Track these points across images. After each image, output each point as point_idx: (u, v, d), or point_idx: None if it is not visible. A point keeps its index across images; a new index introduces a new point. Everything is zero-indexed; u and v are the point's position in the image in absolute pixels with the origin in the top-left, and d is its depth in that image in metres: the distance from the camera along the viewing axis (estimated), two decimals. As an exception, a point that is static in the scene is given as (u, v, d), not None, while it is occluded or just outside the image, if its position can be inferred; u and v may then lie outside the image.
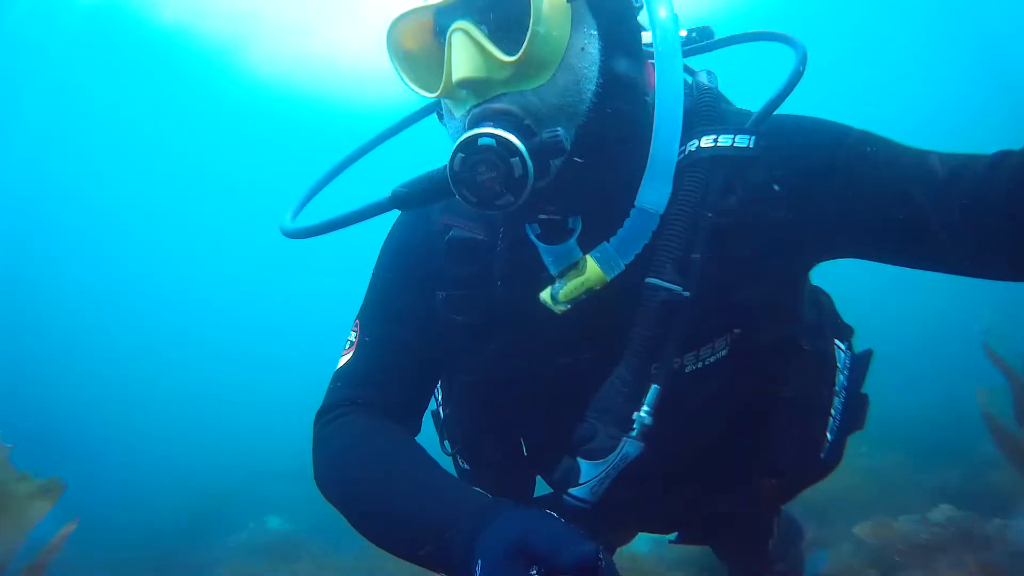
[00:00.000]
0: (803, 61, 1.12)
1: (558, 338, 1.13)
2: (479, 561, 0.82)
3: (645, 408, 1.05)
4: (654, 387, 1.05)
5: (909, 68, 16.26)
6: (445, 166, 0.96)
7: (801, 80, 1.10)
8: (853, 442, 1.39)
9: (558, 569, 0.74)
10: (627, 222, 1.04)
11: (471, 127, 0.94)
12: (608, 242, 1.05)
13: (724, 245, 1.06)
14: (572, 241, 1.07)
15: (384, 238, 1.35)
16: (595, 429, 1.06)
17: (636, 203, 1.04)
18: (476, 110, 0.97)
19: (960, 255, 1.01)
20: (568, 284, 1.05)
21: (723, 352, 1.15)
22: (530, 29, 0.92)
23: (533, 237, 1.09)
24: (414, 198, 1.04)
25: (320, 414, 1.25)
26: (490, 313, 1.16)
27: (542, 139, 0.92)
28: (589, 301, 1.05)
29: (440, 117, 1.15)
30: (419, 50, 1.05)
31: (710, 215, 1.05)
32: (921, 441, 5.13)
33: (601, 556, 0.75)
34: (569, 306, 1.05)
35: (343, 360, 1.27)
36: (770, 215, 1.08)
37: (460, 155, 0.92)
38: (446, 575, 0.95)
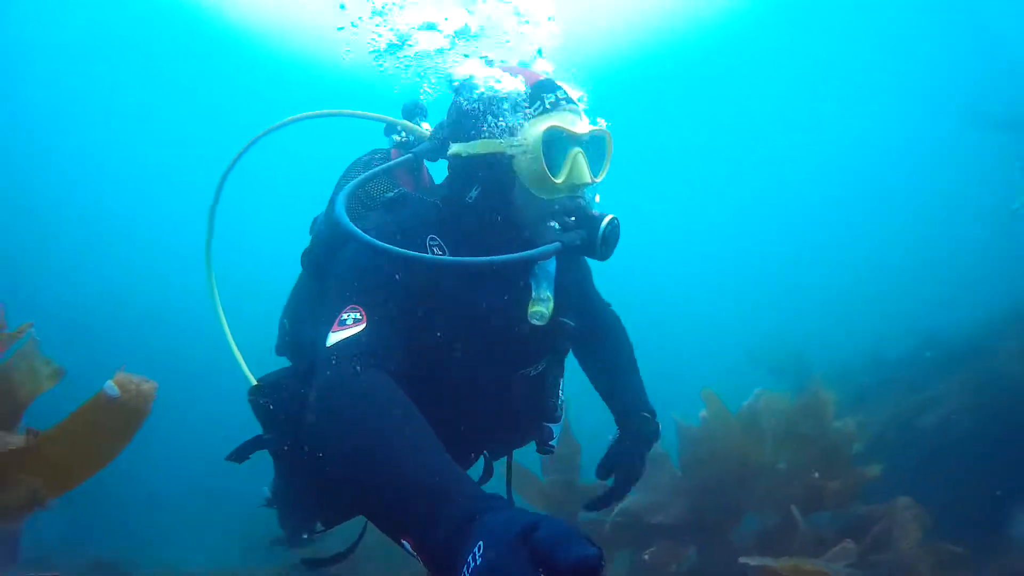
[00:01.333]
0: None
1: (515, 336, 1.61)
2: (480, 544, 0.81)
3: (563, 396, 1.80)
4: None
5: (909, 67, 16.40)
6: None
7: None
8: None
9: (559, 567, 0.73)
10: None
11: (583, 211, 1.54)
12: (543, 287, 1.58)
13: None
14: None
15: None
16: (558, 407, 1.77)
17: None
18: (578, 200, 1.56)
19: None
20: (548, 305, 1.54)
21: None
22: (606, 166, 1.65)
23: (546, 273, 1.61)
24: (576, 247, 1.52)
25: (337, 361, 1.28)
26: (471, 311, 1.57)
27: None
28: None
29: (392, 132, 1.95)
30: (547, 147, 1.54)
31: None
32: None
33: (604, 560, 0.75)
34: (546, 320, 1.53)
35: (349, 331, 1.33)
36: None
37: (608, 227, 1.52)
38: (417, 545, 0.97)
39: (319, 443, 1.19)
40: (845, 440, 3.61)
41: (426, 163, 1.88)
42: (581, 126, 1.58)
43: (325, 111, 2.05)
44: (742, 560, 2.21)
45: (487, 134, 1.58)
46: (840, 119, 18.67)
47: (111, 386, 2.26)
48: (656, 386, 2.15)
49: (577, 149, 1.55)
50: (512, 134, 1.56)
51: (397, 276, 1.47)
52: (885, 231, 16.22)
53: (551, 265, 1.61)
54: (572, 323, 1.76)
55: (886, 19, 15.13)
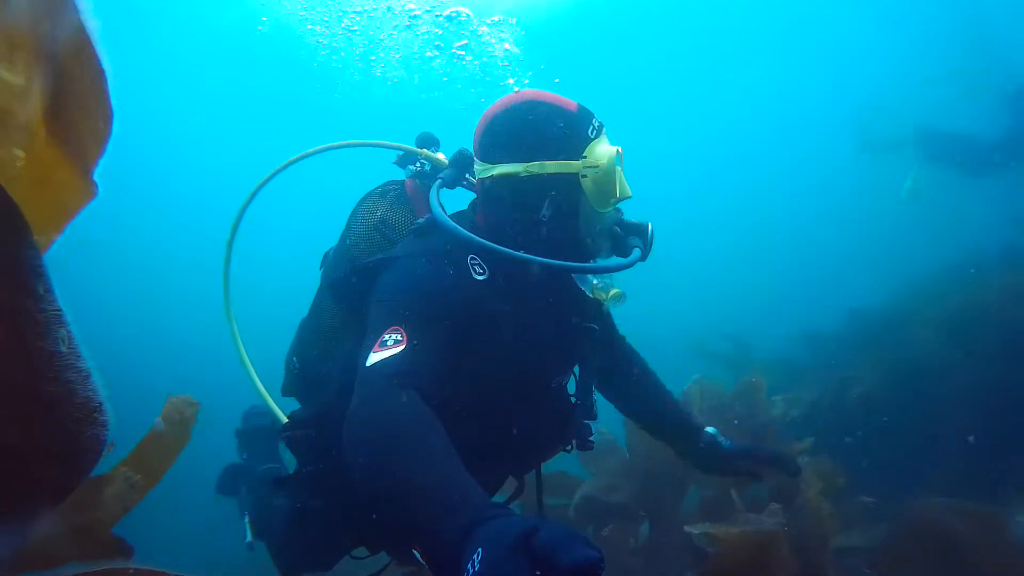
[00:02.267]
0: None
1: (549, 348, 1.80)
2: (479, 551, 0.83)
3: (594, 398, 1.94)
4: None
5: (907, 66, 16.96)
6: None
7: None
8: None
9: (560, 569, 0.74)
10: None
11: (638, 226, 1.74)
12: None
13: None
14: None
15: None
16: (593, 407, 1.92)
17: None
18: (617, 214, 1.77)
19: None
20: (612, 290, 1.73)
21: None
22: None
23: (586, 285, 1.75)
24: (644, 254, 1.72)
25: (374, 379, 1.34)
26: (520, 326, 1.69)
27: None
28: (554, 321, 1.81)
29: (408, 163, 2.02)
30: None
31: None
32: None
33: (603, 563, 0.76)
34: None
35: (389, 352, 1.38)
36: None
37: (652, 233, 1.73)
38: (425, 554, 1.01)
39: (353, 459, 1.23)
40: (774, 419, 4.00)
41: (440, 191, 1.88)
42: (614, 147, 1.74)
43: (344, 143, 2.08)
44: (686, 529, 2.54)
45: (553, 154, 1.65)
46: (755, 108, 19.42)
47: (159, 423, 2.36)
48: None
49: (619, 167, 1.70)
50: (576, 155, 1.66)
51: (442, 297, 1.54)
52: (804, 217, 16.97)
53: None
54: (597, 328, 1.90)
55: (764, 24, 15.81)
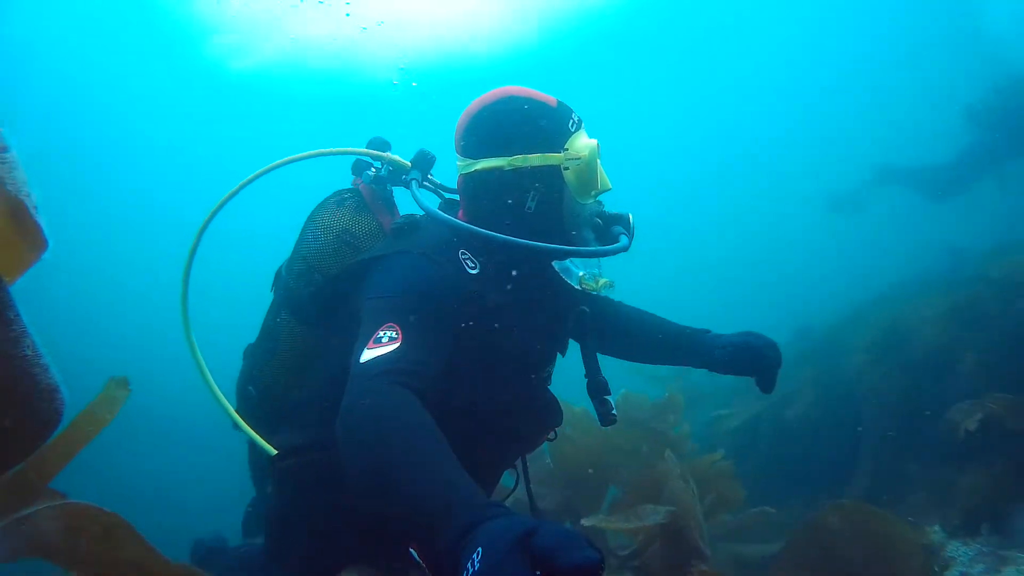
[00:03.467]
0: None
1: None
2: (479, 550, 0.82)
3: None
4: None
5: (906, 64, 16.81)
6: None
7: None
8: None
9: (560, 570, 0.74)
10: None
11: (604, 213, 1.82)
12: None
13: None
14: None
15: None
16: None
17: None
18: (598, 206, 1.82)
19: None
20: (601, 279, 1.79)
21: None
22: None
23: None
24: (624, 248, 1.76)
25: (369, 377, 1.31)
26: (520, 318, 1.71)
27: None
28: (548, 312, 1.84)
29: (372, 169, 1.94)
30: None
31: None
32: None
33: (603, 564, 0.75)
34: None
35: (384, 349, 1.36)
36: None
37: (632, 223, 1.79)
38: (422, 554, 0.99)
39: (344, 457, 1.21)
40: (684, 435, 4.36)
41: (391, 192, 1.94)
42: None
43: (297, 156, 1.96)
44: (581, 522, 2.87)
45: (536, 148, 1.69)
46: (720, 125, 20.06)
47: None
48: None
49: (598, 159, 1.75)
50: (558, 148, 1.70)
51: (437, 291, 1.52)
52: (762, 232, 17.35)
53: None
54: (588, 310, 1.96)
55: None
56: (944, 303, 5.77)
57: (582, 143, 1.71)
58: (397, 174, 1.92)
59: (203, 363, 1.97)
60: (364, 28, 12.12)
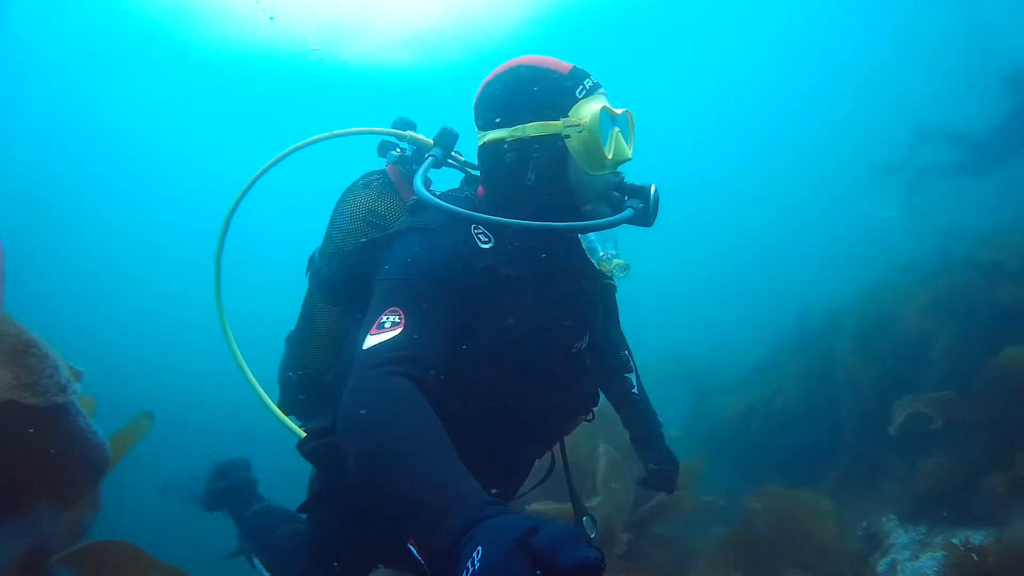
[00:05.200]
0: None
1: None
2: (479, 549, 0.82)
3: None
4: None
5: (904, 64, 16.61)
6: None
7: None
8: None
9: (560, 569, 0.74)
10: None
11: (624, 185, 1.63)
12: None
13: None
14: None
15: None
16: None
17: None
18: (616, 177, 1.64)
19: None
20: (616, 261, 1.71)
21: None
22: (632, 143, 1.70)
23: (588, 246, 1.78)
24: (639, 218, 1.59)
25: (369, 366, 1.29)
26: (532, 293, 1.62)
27: None
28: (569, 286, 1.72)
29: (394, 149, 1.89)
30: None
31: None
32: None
33: (604, 563, 0.76)
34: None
35: (387, 335, 1.34)
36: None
37: (656, 196, 1.60)
38: (421, 550, 0.98)
39: (344, 448, 1.20)
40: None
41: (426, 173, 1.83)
42: (617, 108, 1.66)
43: (320, 136, 1.99)
44: (525, 508, 3.07)
45: (535, 116, 1.59)
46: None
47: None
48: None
49: (616, 128, 1.63)
50: (560, 116, 1.58)
51: (447, 269, 1.48)
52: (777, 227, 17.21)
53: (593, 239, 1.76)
54: (614, 283, 1.90)
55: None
56: (932, 290, 5.78)
57: (587, 109, 1.58)
58: (422, 153, 1.87)
59: (238, 352, 2.08)
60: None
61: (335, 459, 1.62)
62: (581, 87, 1.61)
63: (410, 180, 1.77)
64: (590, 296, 1.81)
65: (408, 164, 1.86)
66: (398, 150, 1.90)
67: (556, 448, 1.96)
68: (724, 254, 17.69)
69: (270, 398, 2.06)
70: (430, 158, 1.77)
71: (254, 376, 2.10)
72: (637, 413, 2.13)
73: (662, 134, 18.72)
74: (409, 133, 1.93)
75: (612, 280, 1.89)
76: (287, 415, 2.03)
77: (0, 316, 2.06)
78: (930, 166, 9.45)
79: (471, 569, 0.80)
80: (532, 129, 1.59)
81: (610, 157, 1.60)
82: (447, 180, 1.87)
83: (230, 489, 2.84)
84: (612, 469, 3.16)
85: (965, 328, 5.01)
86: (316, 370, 1.89)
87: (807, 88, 18.84)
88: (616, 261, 1.69)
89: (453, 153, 1.89)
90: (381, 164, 1.95)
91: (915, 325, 5.46)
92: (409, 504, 1.01)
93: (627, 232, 1.86)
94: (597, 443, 4.47)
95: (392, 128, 1.96)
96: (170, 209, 19.27)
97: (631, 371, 1.92)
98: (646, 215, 1.58)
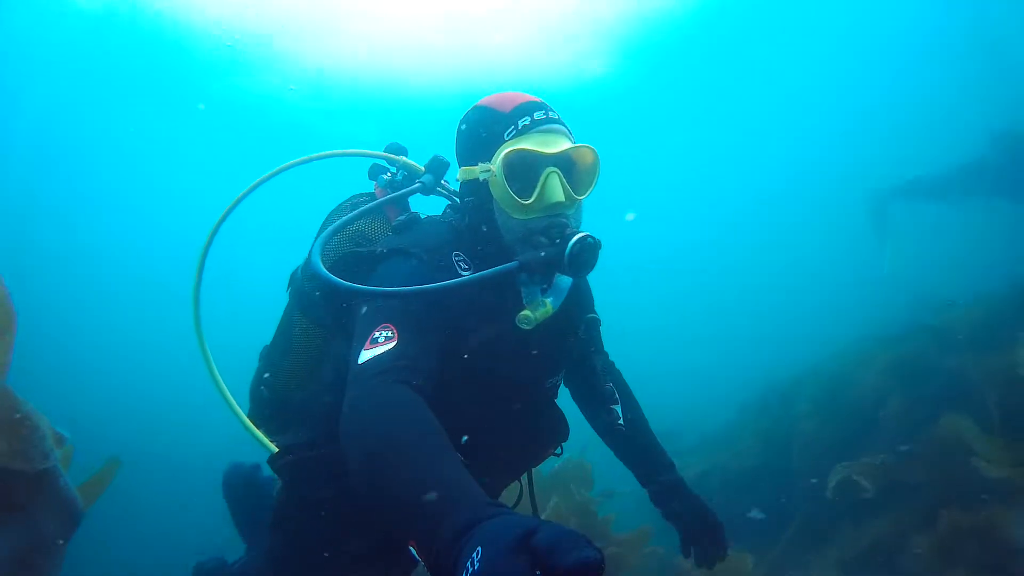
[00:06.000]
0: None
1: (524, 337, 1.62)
2: (479, 549, 0.82)
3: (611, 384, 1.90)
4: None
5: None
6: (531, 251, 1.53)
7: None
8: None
9: (560, 569, 0.73)
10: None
11: (555, 230, 1.53)
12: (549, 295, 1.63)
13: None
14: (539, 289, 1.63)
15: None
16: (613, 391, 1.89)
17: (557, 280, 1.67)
18: (556, 219, 1.54)
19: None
20: (539, 311, 1.56)
21: None
22: (591, 184, 1.63)
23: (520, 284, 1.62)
24: (536, 266, 1.51)
25: (368, 376, 1.30)
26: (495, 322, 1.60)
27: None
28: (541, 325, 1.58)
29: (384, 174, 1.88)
30: (518, 170, 1.56)
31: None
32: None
33: (604, 564, 0.75)
34: (534, 324, 1.55)
35: (381, 349, 1.35)
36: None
37: (577, 246, 1.49)
38: (421, 550, 0.98)
39: (347, 455, 1.20)
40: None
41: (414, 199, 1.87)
42: (554, 146, 1.56)
43: (317, 155, 2.02)
44: None
45: (471, 160, 1.60)
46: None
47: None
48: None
49: (551, 169, 1.54)
50: (484, 159, 1.57)
51: (431, 293, 1.46)
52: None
53: (564, 282, 1.66)
54: (598, 318, 1.89)
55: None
56: (891, 354, 5.84)
57: (503, 152, 1.55)
58: (412, 179, 1.87)
59: (213, 364, 2.06)
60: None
61: (306, 474, 1.69)
62: (512, 128, 1.57)
63: (398, 204, 1.82)
64: (567, 334, 1.79)
65: (397, 189, 1.87)
66: (388, 174, 1.91)
67: (525, 480, 1.96)
68: (699, 312, 17.79)
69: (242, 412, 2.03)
70: (418, 184, 1.79)
71: (228, 391, 2.06)
72: (623, 444, 2.09)
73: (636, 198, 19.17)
74: (401, 158, 1.94)
75: (596, 314, 1.90)
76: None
77: (2, 391, 2.44)
78: (897, 190, 9.58)
79: (471, 569, 0.80)
80: (461, 174, 1.63)
81: (530, 202, 1.54)
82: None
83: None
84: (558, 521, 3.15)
85: (915, 393, 5.06)
86: (289, 386, 1.88)
87: (784, 161, 19.35)
88: (524, 311, 1.55)
89: (443, 182, 1.89)
90: (370, 187, 1.96)
91: (871, 388, 5.51)
92: (411, 505, 1.01)
93: (597, 289, 1.95)
94: (551, 496, 4.49)
95: (385, 152, 1.98)
96: (169, 211, 19.35)
97: (616, 403, 1.89)
98: (557, 264, 1.50)
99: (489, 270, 1.50)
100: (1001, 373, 3.93)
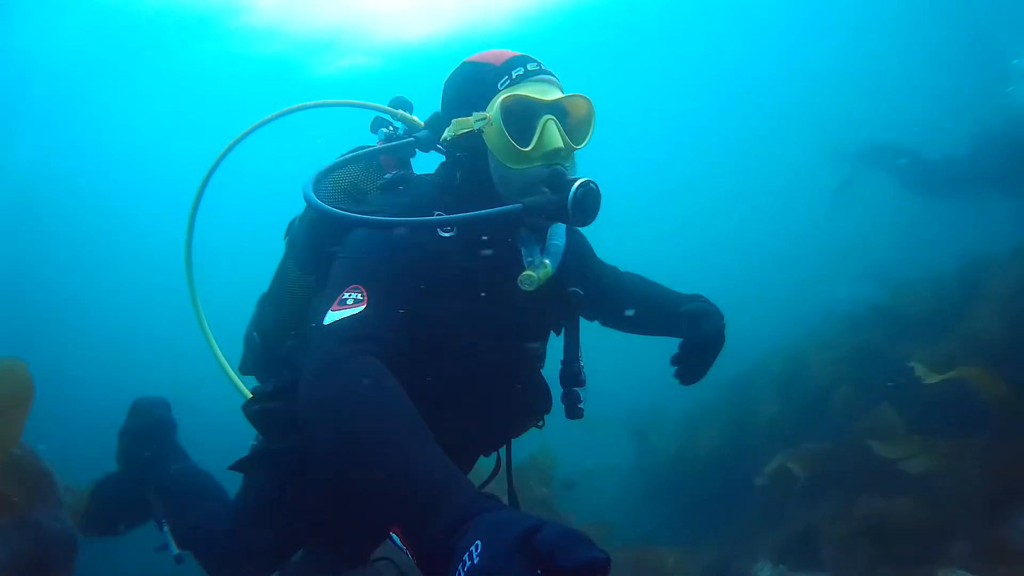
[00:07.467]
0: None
1: (517, 304, 1.60)
2: (478, 543, 0.79)
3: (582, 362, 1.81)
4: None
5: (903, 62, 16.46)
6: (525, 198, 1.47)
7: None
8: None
9: (564, 570, 0.71)
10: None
11: (557, 177, 1.48)
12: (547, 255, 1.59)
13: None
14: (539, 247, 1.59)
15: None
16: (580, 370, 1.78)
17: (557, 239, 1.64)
18: (555, 168, 1.51)
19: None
20: (540, 271, 1.52)
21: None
22: (589, 132, 1.62)
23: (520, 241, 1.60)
24: (539, 209, 1.46)
25: (334, 342, 1.25)
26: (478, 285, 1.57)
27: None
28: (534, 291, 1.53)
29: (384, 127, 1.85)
30: (515, 118, 1.53)
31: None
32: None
33: (610, 564, 0.73)
34: (536, 286, 1.51)
35: (348, 312, 1.30)
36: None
37: (580, 190, 1.43)
38: (407, 538, 0.94)
39: (309, 428, 1.15)
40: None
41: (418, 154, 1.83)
42: (550, 95, 1.55)
43: (316, 102, 2.00)
44: None
45: (461, 114, 1.56)
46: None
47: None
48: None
49: (548, 117, 1.52)
50: (475, 111, 1.54)
51: (407, 254, 1.44)
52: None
53: (559, 239, 1.63)
54: (581, 292, 1.79)
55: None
56: (844, 339, 6.06)
57: (498, 100, 1.52)
58: (412, 134, 1.83)
59: (202, 312, 2.13)
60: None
61: (276, 425, 1.67)
62: (506, 78, 1.55)
63: (398, 159, 1.79)
64: (551, 299, 1.74)
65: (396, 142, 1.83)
66: (389, 128, 1.88)
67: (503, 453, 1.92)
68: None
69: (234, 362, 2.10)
70: (412, 139, 1.76)
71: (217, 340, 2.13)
72: (644, 324, 2.09)
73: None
74: (401, 112, 1.92)
75: (579, 289, 1.81)
76: (248, 375, 2.03)
77: (29, 451, 2.58)
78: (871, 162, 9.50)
79: (468, 563, 0.78)
80: (454, 127, 1.58)
81: (529, 149, 1.52)
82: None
83: (151, 428, 2.56)
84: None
85: (865, 380, 5.26)
86: (280, 333, 1.88)
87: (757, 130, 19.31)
88: (528, 271, 1.52)
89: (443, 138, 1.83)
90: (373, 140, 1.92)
91: (827, 374, 5.72)
92: (393, 494, 0.98)
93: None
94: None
95: (390, 106, 1.96)
96: (170, 211, 19.18)
97: (582, 385, 1.81)
98: (560, 211, 1.46)
99: (490, 210, 1.45)
100: (934, 368, 4.11)
